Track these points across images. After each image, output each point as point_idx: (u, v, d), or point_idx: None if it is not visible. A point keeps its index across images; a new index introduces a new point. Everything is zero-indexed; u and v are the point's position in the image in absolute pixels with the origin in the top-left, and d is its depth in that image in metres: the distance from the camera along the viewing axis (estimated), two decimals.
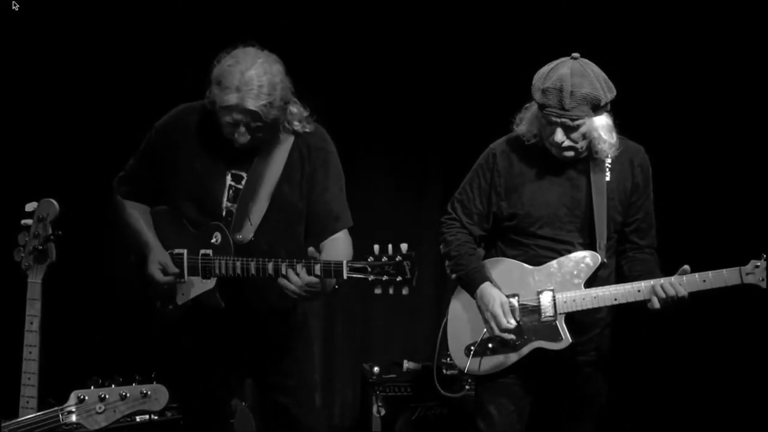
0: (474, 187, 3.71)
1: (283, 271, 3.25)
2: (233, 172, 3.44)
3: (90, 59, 4.91)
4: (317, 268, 3.21)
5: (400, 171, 5.68)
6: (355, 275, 3.15)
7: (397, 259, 3.11)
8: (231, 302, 3.42)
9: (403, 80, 5.43)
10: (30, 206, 3.14)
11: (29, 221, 3.13)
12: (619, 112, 3.57)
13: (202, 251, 3.40)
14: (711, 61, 4.95)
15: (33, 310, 3.06)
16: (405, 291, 3.14)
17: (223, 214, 3.43)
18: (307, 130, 3.47)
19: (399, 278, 3.11)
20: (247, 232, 3.41)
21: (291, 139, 3.46)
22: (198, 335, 3.53)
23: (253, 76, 3.22)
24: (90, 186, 4.84)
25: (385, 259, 3.12)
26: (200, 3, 5.03)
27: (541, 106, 3.49)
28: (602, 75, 3.50)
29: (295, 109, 3.42)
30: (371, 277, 3.13)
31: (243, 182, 3.43)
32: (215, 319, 3.46)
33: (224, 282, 3.39)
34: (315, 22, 5.15)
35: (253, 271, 3.30)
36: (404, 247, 3.13)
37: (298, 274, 3.22)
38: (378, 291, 3.14)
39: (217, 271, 3.37)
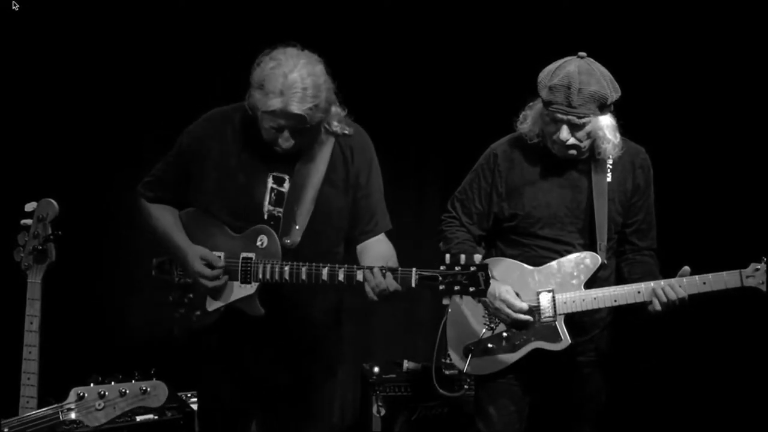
0: (474, 188, 3.71)
1: (341, 277, 3.11)
2: (275, 174, 3.27)
3: (89, 59, 4.90)
4: (385, 275, 3.08)
5: (400, 171, 5.67)
6: (424, 284, 3.06)
7: (471, 269, 3.03)
8: (268, 310, 3.26)
9: (404, 80, 5.42)
10: (30, 206, 3.15)
11: (29, 221, 3.14)
12: (621, 114, 3.57)
13: (243, 254, 3.23)
14: (712, 62, 4.95)
15: (33, 310, 3.06)
16: (476, 301, 3.10)
17: (265, 217, 3.27)
18: (347, 132, 3.33)
19: (472, 288, 3.04)
20: (295, 236, 3.24)
21: (332, 140, 3.31)
22: (227, 344, 3.35)
23: (297, 79, 3.06)
24: (90, 186, 4.86)
25: (458, 268, 3.03)
26: (196, 3, 5.03)
27: (547, 104, 3.48)
28: (608, 75, 3.51)
29: (335, 109, 3.26)
30: (442, 287, 3.04)
31: (285, 185, 3.27)
32: (248, 328, 3.29)
33: (264, 288, 3.23)
34: (314, 22, 5.14)
35: (304, 276, 3.15)
36: (478, 258, 3.05)
37: (384, 276, 3.09)
38: (446, 302, 3.08)
39: (260, 276, 3.20)
